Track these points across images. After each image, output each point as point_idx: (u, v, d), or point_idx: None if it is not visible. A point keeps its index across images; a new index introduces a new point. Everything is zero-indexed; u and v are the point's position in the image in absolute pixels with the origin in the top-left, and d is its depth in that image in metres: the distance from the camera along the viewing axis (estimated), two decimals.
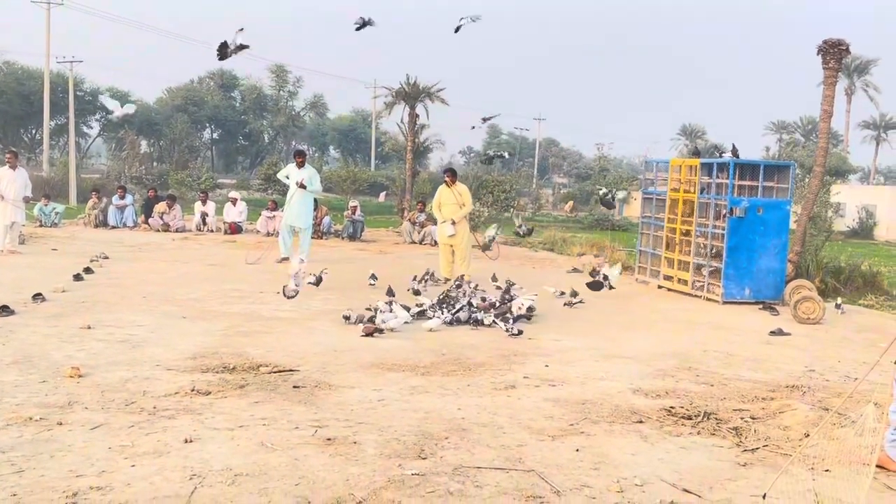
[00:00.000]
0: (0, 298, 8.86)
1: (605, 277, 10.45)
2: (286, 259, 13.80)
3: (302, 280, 9.59)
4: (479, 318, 9.04)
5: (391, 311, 8.92)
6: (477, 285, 10.85)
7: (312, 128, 72.09)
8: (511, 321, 9.03)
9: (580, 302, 10.76)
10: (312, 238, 19.86)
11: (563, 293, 11.23)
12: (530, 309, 9.64)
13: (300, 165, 14.15)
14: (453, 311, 9.21)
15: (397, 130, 33.45)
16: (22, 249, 14.58)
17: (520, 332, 8.52)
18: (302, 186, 13.84)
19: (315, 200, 21.37)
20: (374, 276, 11.71)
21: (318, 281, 10.16)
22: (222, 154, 67.58)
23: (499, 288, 11.04)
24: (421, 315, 9.19)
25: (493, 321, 8.96)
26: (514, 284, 10.88)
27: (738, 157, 12.50)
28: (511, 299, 9.95)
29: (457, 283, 11.31)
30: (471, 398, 5.98)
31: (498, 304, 9.70)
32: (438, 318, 8.96)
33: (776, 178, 12.25)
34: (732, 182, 11.92)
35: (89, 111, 52.46)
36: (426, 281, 11.73)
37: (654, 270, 13.68)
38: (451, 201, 12.71)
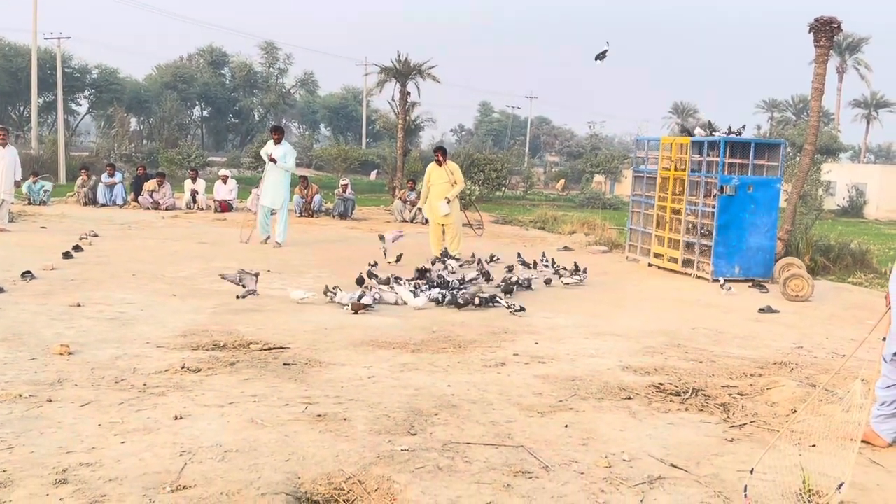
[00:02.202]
0: None
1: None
2: (268, 240, 13.77)
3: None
4: (482, 298, 8.85)
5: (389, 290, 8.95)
6: (462, 263, 10.97)
7: (303, 105, 71.73)
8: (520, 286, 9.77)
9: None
10: (303, 216, 19.92)
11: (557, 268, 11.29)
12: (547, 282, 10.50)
13: (277, 142, 13.89)
14: (445, 289, 9.20)
15: (388, 108, 33.40)
16: (10, 227, 14.50)
17: (522, 309, 8.55)
18: (272, 160, 13.70)
19: (307, 178, 21.40)
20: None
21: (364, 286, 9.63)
22: (212, 132, 67.22)
23: (490, 261, 11.14)
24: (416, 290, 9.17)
25: (496, 299, 8.93)
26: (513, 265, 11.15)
27: (730, 135, 12.51)
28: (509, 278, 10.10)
29: (441, 259, 11.46)
30: (461, 375, 6.00)
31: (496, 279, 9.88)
32: (425, 295, 8.90)
33: (767, 156, 12.25)
34: (723, 160, 11.92)
35: (78, 88, 52.03)
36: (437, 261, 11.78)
37: (645, 248, 13.71)
38: (443, 180, 12.68)
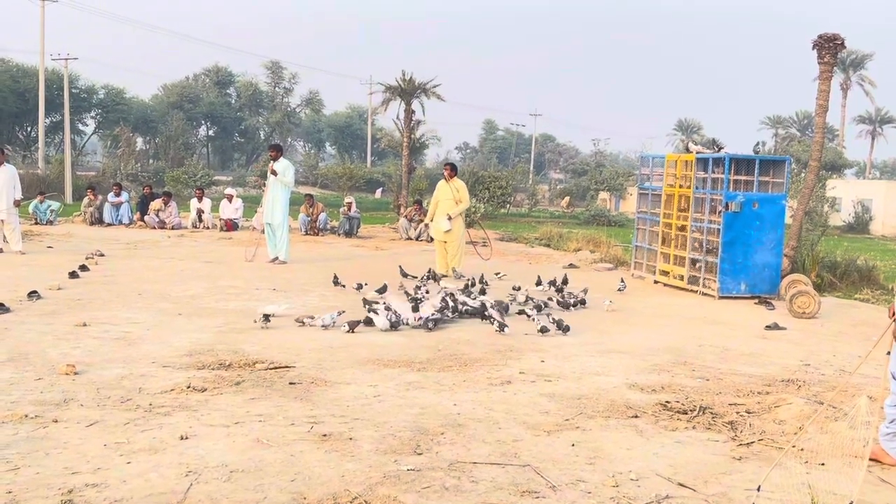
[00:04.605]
0: None
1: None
2: (276, 259, 13.79)
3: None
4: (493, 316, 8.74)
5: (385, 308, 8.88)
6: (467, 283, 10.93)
7: (308, 124, 72.15)
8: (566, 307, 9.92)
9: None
10: (309, 235, 19.96)
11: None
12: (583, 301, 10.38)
13: (274, 159, 14.09)
14: (436, 307, 9.08)
15: (393, 126, 33.43)
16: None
17: (566, 325, 8.54)
18: (273, 172, 13.83)
19: (312, 197, 21.46)
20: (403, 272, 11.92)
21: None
22: (218, 151, 67.62)
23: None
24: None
25: (529, 315, 8.95)
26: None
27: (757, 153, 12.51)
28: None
29: (432, 275, 11.46)
30: (466, 393, 5.99)
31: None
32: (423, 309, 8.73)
33: (772, 173, 12.25)
34: (728, 177, 11.92)
35: (84, 108, 52.38)
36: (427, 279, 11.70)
37: (651, 266, 13.70)
38: (448, 196, 12.74)
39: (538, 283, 11.38)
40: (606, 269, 15.36)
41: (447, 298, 9.19)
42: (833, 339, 9.17)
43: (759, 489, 4.06)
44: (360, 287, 10.57)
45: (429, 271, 12.17)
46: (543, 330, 8.34)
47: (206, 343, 7.35)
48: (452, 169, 13.09)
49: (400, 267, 12.21)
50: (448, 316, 8.84)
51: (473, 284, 10.95)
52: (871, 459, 4.76)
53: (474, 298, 9.74)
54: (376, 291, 10.02)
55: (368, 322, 8.33)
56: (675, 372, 7.01)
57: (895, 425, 4.85)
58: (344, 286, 10.75)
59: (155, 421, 5.03)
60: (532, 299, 10.16)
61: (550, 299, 10.28)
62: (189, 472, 4.21)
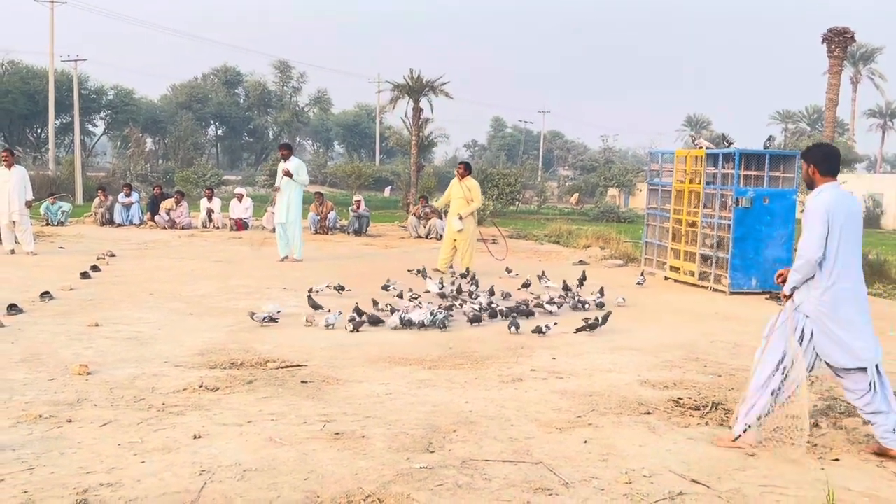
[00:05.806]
0: (8, 297, 8.90)
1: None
2: (286, 258, 13.82)
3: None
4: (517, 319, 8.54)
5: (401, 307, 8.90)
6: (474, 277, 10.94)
7: (317, 123, 72.24)
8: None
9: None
10: (318, 233, 19.99)
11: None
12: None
13: (285, 158, 14.12)
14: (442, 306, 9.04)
15: (402, 125, 33.49)
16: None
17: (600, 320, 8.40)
18: (288, 174, 13.82)
19: (322, 195, 21.48)
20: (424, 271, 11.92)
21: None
22: (227, 150, 67.84)
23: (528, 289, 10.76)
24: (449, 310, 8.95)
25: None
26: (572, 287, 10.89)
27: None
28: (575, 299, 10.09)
29: (456, 274, 11.41)
30: (478, 391, 5.99)
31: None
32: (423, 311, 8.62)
33: (782, 168, 12.19)
34: (738, 172, 11.87)
35: (94, 109, 52.59)
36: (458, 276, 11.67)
37: (661, 262, 13.66)
38: (459, 195, 12.75)
39: (541, 278, 11.42)
40: (616, 265, 15.34)
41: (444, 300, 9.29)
42: None
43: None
44: (340, 290, 10.26)
45: (467, 270, 12.20)
46: (538, 330, 8.18)
47: (217, 342, 7.37)
48: (466, 168, 13.07)
49: (417, 269, 12.27)
50: (439, 316, 8.57)
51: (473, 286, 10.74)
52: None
53: (475, 298, 9.77)
54: (382, 288, 10.07)
55: (374, 321, 8.34)
56: (686, 368, 7.00)
57: (870, 410, 4.80)
58: (321, 307, 9.21)
59: (168, 420, 5.05)
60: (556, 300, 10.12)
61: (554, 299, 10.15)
62: (202, 471, 4.23)
